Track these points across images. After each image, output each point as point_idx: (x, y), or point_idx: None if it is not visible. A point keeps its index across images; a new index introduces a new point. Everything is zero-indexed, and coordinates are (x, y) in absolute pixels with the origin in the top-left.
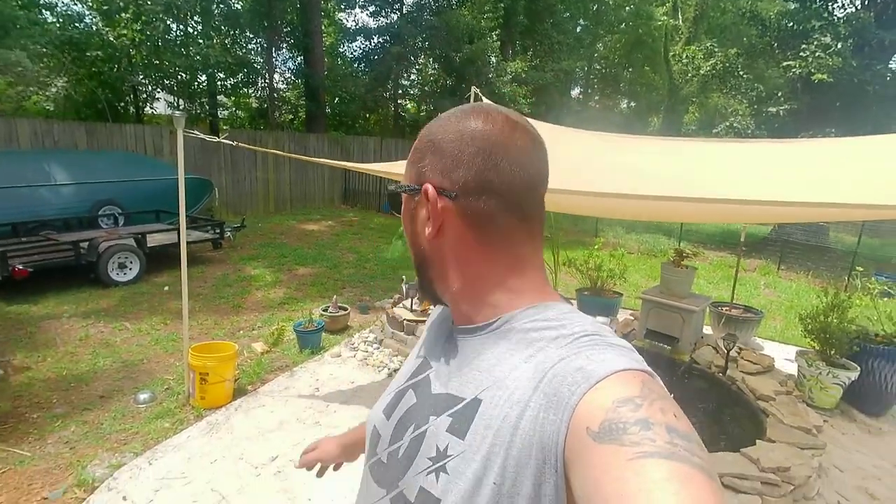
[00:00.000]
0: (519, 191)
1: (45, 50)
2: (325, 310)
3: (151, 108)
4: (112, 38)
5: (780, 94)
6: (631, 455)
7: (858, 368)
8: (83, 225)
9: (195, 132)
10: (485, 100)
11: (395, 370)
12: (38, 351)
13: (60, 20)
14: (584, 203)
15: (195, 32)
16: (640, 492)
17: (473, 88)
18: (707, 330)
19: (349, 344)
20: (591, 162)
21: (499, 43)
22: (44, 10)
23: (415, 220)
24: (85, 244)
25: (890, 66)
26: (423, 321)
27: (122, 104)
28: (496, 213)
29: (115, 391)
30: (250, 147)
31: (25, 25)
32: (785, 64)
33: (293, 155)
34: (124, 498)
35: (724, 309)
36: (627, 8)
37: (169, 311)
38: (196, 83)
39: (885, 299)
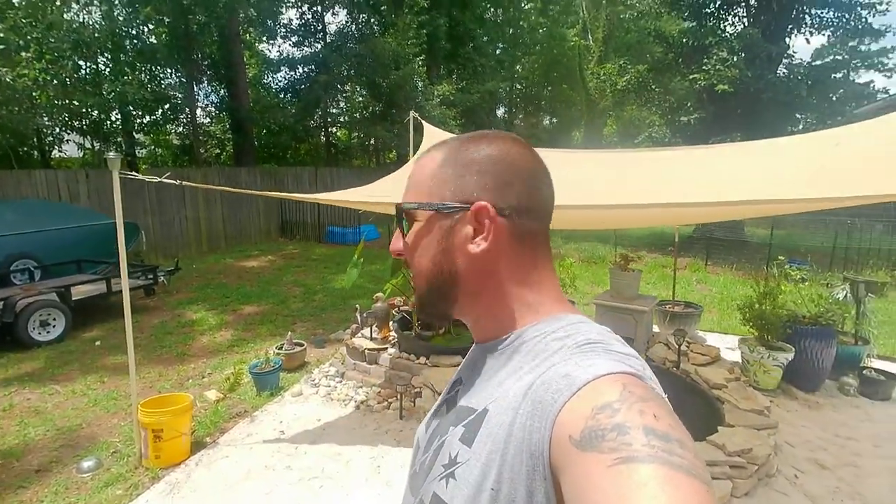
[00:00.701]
0: (549, 210)
1: None
2: (279, 348)
3: (60, 151)
4: (10, 80)
5: (689, 104)
6: (609, 462)
7: (793, 349)
8: None
9: (132, 174)
10: (424, 124)
11: (362, 402)
12: None
13: None
14: None
15: (107, 69)
16: (619, 498)
17: (412, 113)
18: (655, 328)
19: (310, 380)
20: None
21: (424, 68)
22: None
23: (450, 237)
24: None
25: (778, 74)
26: (385, 349)
27: (26, 149)
28: (536, 232)
29: (52, 462)
30: (196, 185)
31: None
32: (691, 77)
33: (237, 189)
34: None
35: (668, 307)
36: (541, 31)
37: (105, 368)
38: (109, 122)
39: (806, 283)
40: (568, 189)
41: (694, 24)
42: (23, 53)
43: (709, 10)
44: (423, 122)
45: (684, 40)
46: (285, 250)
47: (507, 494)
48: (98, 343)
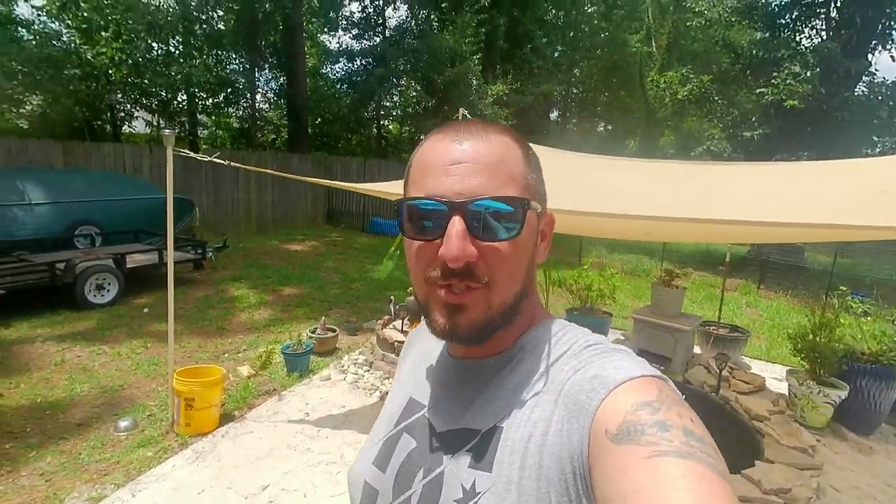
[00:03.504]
0: None
1: (20, 68)
2: (312, 331)
3: (130, 126)
4: (90, 57)
5: (753, 118)
6: (647, 454)
7: (847, 387)
8: (58, 245)
9: (185, 151)
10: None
11: (387, 393)
12: (11, 377)
13: (38, 38)
14: (569, 222)
15: (176, 51)
16: (654, 488)
17: (462, 110)
18: (696, 349)
19: (338, 366)
20: (578, 181)
21: (480, 67)
22: (20, 28)
23: (535, 243)
24: (61, 265)
25: (855, 93)
26: None
27: (99, 123)
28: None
29: (93, 419)
30: (244, 166)
31: (3, 42)
32: (758, 91)
33: (288, 175)
34: None
35: (712, 328)
36: (603, 35)
37: (150, 334)
38: (176, 102)
39: (868, 318)
40: (616, 197)
41: (767, 35)
42: (102, 33)
43: (784, 21)
44: (469, 118)
45: (754, 52)
46: (329, 237)
47: None
48: (146, 310)
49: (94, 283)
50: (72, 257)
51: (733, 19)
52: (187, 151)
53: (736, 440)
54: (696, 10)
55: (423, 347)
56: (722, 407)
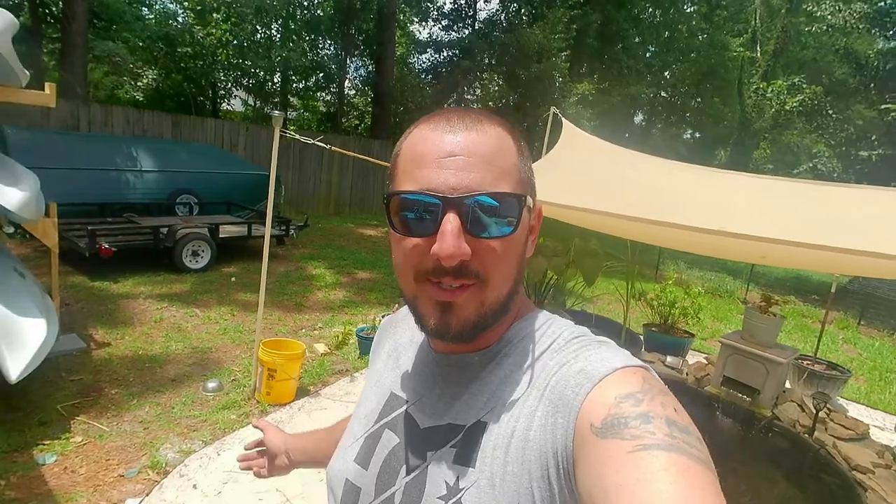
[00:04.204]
0: None
1: (141, 44)
2: (384, 317)
3: (229, 104)
4: (200, 37)
5: (873, 137)
6: (631, 448)
7: None
8: (161, 211)
9: (290, 132)
10: (564, 122)
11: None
12: (117, 328)
13: (157, 17)
14: (658, 233)
15: (277, 35)
16: (638, 481)
17: (553, 109)
18: (786, 384)
19: None
20: (668, 191)
21: (567, 64)
22: (143, 7)
23: (527, 238)
24: (164, 230)
25: None
26: None
27: (201, 99)
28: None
29: (185, 376)
30: (343, 151)
31: (131, 20)
32: (884, 106)
33: (374, 160)
34: (195, 486)
35: (807, 363)
36: (701, 37)
37: (236, 302)
38: (270, 84)
39: None
40: (717, 212)
41: None
42: (214, 14)
43: None
44: (564, 119)
45: (883, 63)
46: None
47: (531, 501)
48: (234, 279)
49: (191, 250)
50: (174, 223)
51: (860, 26)
52: (293, 133)
53: (830, 490)
54: (818, 14)
55: (399, 340)
56: (815, 451)
